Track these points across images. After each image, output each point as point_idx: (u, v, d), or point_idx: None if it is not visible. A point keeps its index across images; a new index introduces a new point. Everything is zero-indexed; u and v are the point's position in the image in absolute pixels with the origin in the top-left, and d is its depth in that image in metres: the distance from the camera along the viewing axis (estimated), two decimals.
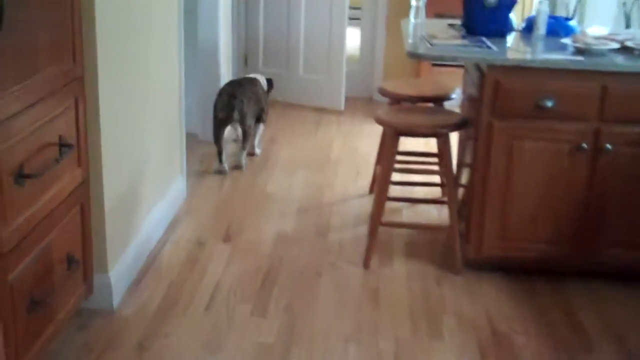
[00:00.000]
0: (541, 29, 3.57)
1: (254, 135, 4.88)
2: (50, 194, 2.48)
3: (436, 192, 4.29)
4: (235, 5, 5.99)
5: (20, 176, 2.23)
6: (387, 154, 3.51)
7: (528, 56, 3.31)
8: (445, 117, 3.52)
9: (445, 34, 3.58)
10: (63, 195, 2.60)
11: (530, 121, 3.22)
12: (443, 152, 3.50)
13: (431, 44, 3.35)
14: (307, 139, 5.32)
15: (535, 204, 3.31)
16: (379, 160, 4.26)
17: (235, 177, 4.56)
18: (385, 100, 4.11)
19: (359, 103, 6.25)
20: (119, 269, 3.12)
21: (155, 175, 3.62)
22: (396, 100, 3.97)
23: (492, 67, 3.19)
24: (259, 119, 4.87)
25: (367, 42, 6.37)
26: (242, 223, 3.92)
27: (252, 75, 5.04)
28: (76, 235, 2.76)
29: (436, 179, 4.24)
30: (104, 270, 3.00)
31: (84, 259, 2.82)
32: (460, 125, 3.43)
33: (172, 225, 3.85)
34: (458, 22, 3.92)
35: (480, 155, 3.29)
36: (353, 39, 6.43)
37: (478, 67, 3.37)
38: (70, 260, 2.67)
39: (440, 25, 3.92)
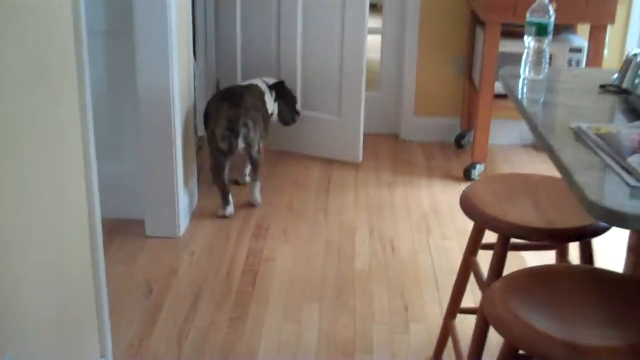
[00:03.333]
0: None
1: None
2: None
3: None
4: (201, 12, 4.07)
5: None
6: None
7: None
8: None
9: (618, 124, 1.73)
10: None
11: None
12: None
13: (626, 170, 1.48)
14: (313, 224, 3.45)
15: None
16: (452, 313, 2.44)
17: (207, 329, 2.70)
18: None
19: (381, 145, 4.39)
20: None
21: None
22: (497, 230, 2.10)
23: None
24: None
25: (391, 54, 4.48)
26: None
27: (250, 82, 3.74)
28: None
29: None
30: None
31: None
32: None
33: None
34: (613, 78, 2.09)
35: None
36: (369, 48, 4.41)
37: None
38: None
39: (583, 89, 2.08)
